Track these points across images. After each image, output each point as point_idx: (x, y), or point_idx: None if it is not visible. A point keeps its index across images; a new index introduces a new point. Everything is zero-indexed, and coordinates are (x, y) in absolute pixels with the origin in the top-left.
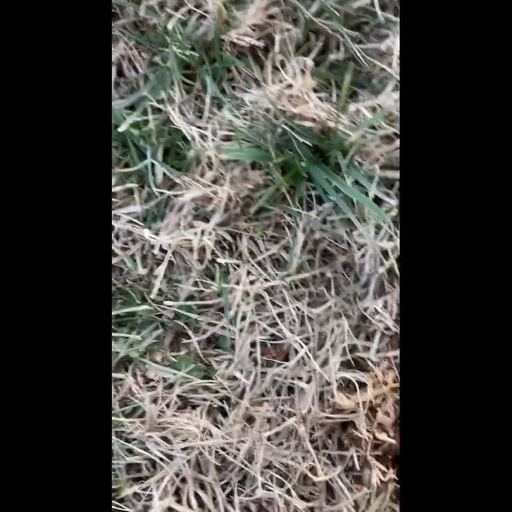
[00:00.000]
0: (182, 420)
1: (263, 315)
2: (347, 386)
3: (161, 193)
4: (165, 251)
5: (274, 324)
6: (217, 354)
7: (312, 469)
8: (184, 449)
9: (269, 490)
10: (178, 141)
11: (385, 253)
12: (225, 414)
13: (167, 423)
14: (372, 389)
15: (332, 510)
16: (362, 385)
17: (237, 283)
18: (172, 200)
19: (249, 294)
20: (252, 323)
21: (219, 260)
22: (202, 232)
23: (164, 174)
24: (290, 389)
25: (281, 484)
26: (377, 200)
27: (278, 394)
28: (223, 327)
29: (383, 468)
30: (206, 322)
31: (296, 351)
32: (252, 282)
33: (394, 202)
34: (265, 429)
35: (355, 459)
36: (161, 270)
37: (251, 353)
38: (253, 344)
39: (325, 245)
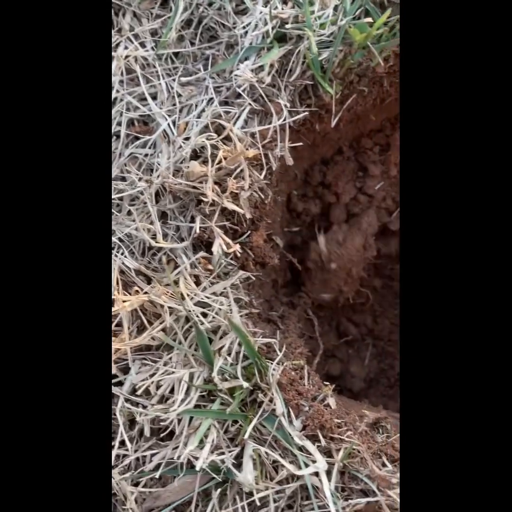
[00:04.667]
0: None
1: (134, 92)
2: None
3: None
4: None
5: (143, 100)
6: None
7: None
8: None
9: None
10: None
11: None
12: None
13: None
14: (224, 159)
15: None
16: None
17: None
18: None
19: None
20: (120, 100)
21: None
22: None
23: None
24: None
25: None
26: None
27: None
28: None
29: (228, 239)
30: None
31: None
32: (127, 56)
33: None
34: None
35: (197, 226)
36: None
37: None
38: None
39: (210, 22)
